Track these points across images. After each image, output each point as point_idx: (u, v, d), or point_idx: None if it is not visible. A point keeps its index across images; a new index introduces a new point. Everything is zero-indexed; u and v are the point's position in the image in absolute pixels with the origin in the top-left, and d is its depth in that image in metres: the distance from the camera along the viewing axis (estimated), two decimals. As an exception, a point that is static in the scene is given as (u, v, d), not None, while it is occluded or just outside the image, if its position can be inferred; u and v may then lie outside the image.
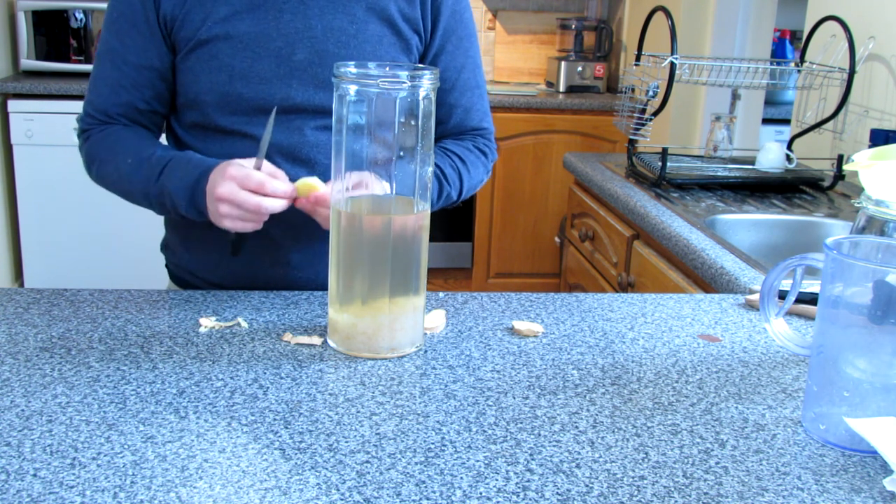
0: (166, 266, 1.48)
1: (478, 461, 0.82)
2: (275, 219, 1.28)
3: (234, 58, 1.24)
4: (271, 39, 1.25)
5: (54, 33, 3.70)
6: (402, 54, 1.32)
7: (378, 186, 1.03)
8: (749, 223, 2.01)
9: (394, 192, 1.04)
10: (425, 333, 1.11)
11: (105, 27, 1.29)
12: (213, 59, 1.25)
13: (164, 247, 1.46)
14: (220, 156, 1.25)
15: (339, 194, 1.05)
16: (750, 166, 2.30)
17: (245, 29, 1.24)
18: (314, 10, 1.26)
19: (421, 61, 1.35)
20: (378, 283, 1.04)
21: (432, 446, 0.85)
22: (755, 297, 1.28)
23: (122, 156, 1.26)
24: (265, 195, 1.12)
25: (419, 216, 1.05)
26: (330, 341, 1.07)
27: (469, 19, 1.38)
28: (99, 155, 1.29)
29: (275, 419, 0.89)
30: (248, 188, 1.11)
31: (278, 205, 1.13)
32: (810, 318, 1.24)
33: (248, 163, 1.16)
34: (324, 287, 1.25)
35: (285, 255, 1.32)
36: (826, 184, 2.26)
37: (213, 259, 1.35)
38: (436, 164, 1.31)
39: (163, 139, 1.36)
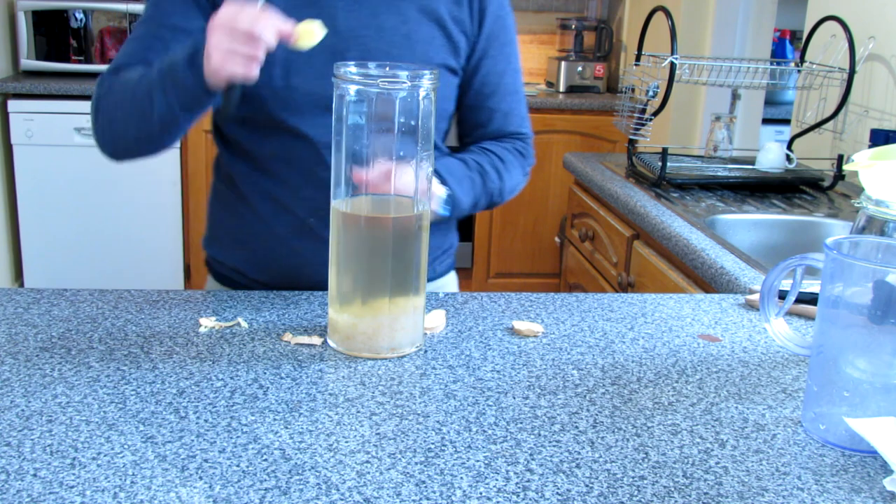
0: (207, 263, 1.45)
1: (478, 461, 0.82)
2: (326, 219, 1.28)
3: (288, 52, 1.22)
4: (326, 36, 1.24)
5: (54, 33, 3.70)
6: (451, 56, 1.33)
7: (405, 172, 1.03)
8: (749, 223, 2.01)
9: (393, 191, 1.04)
10: (425, 333, 1.11)
11: (148, 6, 1.28)
12: (269, 53, 1.22)
13: (209, 243, 1.44)
14: (274, 153, 1.27)
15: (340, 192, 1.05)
16: (750, 166, 2.30)
17: None
18: (367, 10, 1.28)
19: (465, 64, 1.36)
20: (378, 283, 1.04)
21: (432, 446, 0.85)
22: (755, 297, 1.28)
23: (134, 76, 1.21)
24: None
25: (419, 216, 1.05)
26: (330, 341, 1.07)
27: (511, 26, 1.41)
28: (110, 90, 1.23)
29: (275, 419, 0.89)
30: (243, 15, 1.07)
31: (270, 33, 1.07)
32: (810, 318, 1.24)
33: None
34: None
35: None
36: (826, 184, 2.26)
37: (263, 257, 1.35)
38: (476, 161, 1.33)
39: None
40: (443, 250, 1.45)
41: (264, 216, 1.32)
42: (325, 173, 1.15)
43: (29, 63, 3.70)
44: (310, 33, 1.11)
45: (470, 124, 1.41)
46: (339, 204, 1.05)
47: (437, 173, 1.26)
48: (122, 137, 1.24)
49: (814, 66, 2.36)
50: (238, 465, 0.80)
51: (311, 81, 1.25)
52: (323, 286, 1.29)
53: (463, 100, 1.39)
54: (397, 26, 1.28)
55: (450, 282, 1.52)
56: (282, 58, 1.24)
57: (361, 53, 1.26)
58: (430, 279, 1.45)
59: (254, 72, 1.09)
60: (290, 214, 1.30)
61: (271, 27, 1.08)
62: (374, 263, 1.04)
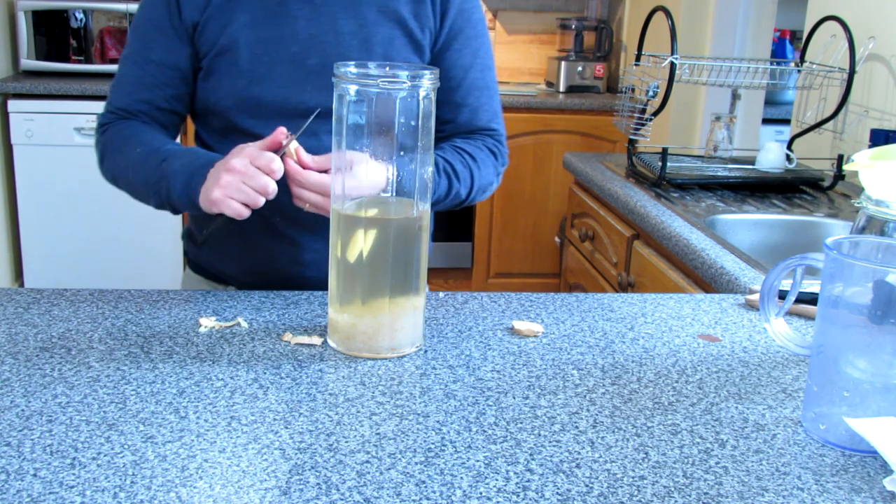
0: (185, 254, 1.51)
1: (478, 461, 0.82)
2: (291, 218, 1.29)
3: (252, 62, 1.28)
4: (287, 45, 1.28)
5: (54, 33, 3.70)
6: (414, 55, 1.33)
7: (374, 169, 1.03)
8: (749, 223, 2.01)
9: (393, 192, 1.04)
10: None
11: (131, 33, 1.34)
12: (234, 66, 1.28)
13: (186, 237, 1.49)
14: None
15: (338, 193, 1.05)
16: (750, 166, 2.30)
17: (263, 35, 1.27)
18: (326, 17, 1.29)
19: (429, 59, 1.36)
20: (378, 283, 1.04)
21: (432, 446, 0.85)
22: (755, 297, 1.28)
23: (133, 145, 1.28)
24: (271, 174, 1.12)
25: (419, 216, 1.05)
26: (330, 341, 1.07)
27: (478, 20, 1.39)
28: (112, 145, 1.31)
29: (275, 419, 0.89)
30: (258, 165, 1.12)
31: (272, 188, 1.13)
32: (810, 318, 1.24)
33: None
34: None
35: (300, 255, 1.35)
36: (826, 184, 2.26)
37: (232, 253, 1.38)
38: (446, 161, 1.31)
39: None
40: None
41: None
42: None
43: (29, 63, 3.70)
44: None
45: (439, 120, 1.40)
46: (340, 205, 1.05)
47: None
48: (124, 188, 1.32)
49: (814, 66, 2.36)
50: (238, 465, 0.80)
51: (274, 91, 1.28)
52: (292, 282, 1.31)
53: None
54: (355, 30, 1.29)
55: None
56: (245, 69, 1.28)
57: (321, 59, 1.27)
58: None
59: (246, 215, 1.14)
60: (256, 213, 1.31)
61: (272, 182, 1.12)
62: (374, 263, 1.04)
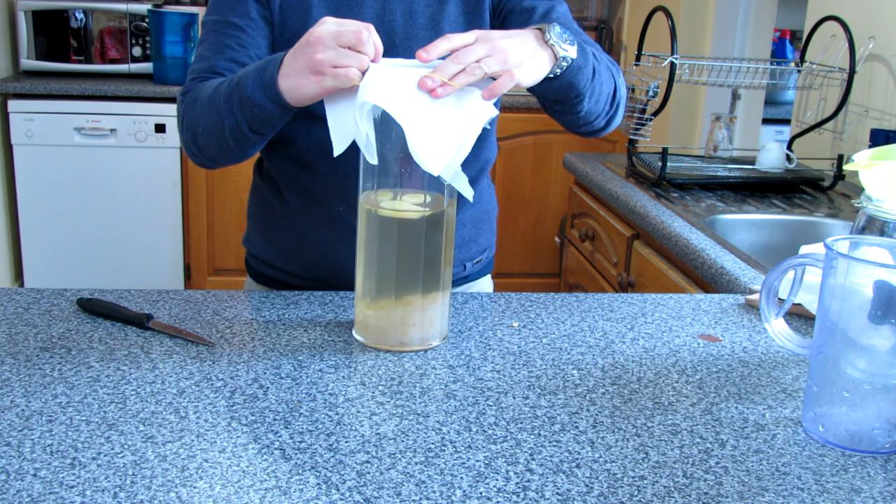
0: (246, 262, 1.49)
1: (478, 461, 0.82)
2: (355, 206, 1.25)
3: None
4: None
5: (54, 33, 3.70)
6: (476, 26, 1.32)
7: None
8: (749, 223, 2.01)
9: (425, 187, 1.05)
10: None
11: (209, 12, 1.31)
12: None
13: (246, 239, 1.48)
14: (310, 144, 1.29)
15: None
16: (750, 166, 2.30)
17: (333, 14, 1.25)
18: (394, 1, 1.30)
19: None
20: (410, 278, 1.05)
21: (432, 446, 0.85)
22: (755, 297, 1.28)
23: (208, 90, 1.22)
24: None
25: (447, 212, 1.06)
26: (358, 336, 1.08)
27: None
28: (193, 99, 1.25)
29: (275, 419, 0.89)
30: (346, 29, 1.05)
31: (370, 48, 1.04)
32: (810, 317, 1.24)
33: None
34: None
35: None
36: (826, 184, 2.26)
37: (294, 248, 1.37)
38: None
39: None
40: (482, 248, 1.45)
41: (295, 207, 1.35)
42: (356, 162, 1.11)
43: (29, 63, 3.70)
44: None
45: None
46: (366, 198, 1.06)
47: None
48: (206, 152, 1.25)
49: (814, 66, 2.36)
50: (238, 465, 0.80)
51: None
52: (351, 276, 1.29)
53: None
54: (422, 9, 1.30)
55: (483, 287, 1.51)
56: None
57: (389, 38, 1.27)
58: (459, 282, 1.44)
59: (356, 79, 1.04)
60: (320, 204, 1.33)
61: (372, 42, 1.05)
62: (404, 259, 1.05)
